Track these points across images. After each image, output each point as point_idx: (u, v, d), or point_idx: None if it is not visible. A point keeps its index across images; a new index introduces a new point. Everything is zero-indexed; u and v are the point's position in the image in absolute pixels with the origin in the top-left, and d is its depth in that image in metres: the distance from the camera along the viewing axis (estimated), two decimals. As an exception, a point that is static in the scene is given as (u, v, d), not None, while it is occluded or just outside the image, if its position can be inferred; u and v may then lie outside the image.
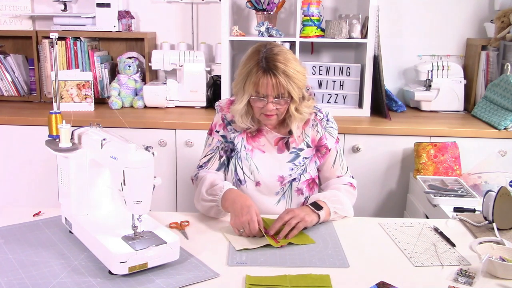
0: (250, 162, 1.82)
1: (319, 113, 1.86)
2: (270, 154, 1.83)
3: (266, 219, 1.68)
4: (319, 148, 1.85)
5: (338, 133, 1.91)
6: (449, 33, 3.17)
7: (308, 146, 1.84)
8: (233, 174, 1.85)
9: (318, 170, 1.91)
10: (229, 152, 1.87)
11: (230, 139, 1.85)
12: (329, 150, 1.86)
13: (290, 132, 1.82)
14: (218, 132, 1.86)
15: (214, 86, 3.07)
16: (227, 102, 1.88)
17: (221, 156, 1.86)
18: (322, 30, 2.90)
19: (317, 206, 1.69)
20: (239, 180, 1.84)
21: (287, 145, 1.83)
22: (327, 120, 1.87)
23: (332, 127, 1.87)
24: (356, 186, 1.88)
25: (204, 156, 1.88)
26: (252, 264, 1.42)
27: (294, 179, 1.83)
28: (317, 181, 1.91)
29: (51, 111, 1.52)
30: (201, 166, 1.87)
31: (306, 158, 1.84)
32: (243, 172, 1.83)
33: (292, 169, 1.82)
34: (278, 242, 1.54)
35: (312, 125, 1.85)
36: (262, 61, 1.67)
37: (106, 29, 3.06)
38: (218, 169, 1.86)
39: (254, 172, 1.82)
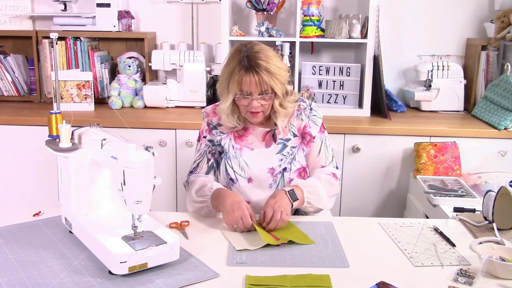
0: (239, 159, 1.84)
1: (302, 102, 1.89)
2: (259, 150, 1.85)
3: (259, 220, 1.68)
4: (304, 136, 1.87)
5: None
6: (449, 33, 3.17)
7: (294, 135, 1.86)
8: (224, 175, 1.87)
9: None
10: (217, 154, 1.90)
11: (217, 141, 1.87)
12: (313, 138, 1.88)
13: (276, 125, 1.84)
14: (205, 137, 1.90)
15: (214, 86, 3.07)
16: (212, 107, 1.92)
17: (208, 160, 1.89)
18: (322, 30, 2.90)
19: (294, 195, 1.71)
20: (231, 179, 1.85)
21: (274, 137, 1.85)
22: (311, 109, 1.89)
23: (315, 115, 1.89)
24: (339, 177, 1.90)
25: (194, 162, 1.92)
26: (252, 264, 1.42)
27: (285, 170, 1.84)
28: (307, 169, 1.92)
29: (51, 111, 1.52)
30: (191, 172, 1.91)
31: (293, 147, 1.86)
32: (234, 171, 1.85)
33: (281, 159, 1.84)
34: (278, 240, 1.54)
35: (297, 114, 1.87)
36: (244, 60, 1.70)
37: (106, 29, 3.06)
38: (207, 173, 1.89)
39: (244, 168, 1.83)
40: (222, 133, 1.86)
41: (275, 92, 1.73)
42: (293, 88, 2.86)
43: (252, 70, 1.69)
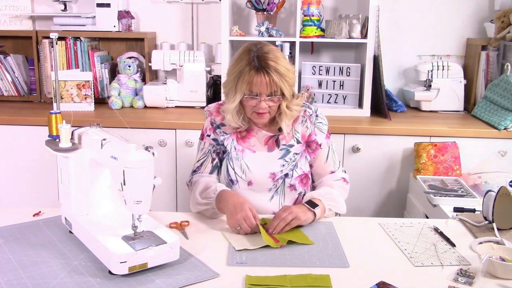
0: (241, 162, 1.83)
1: (308, 109, 1.88)
2: (261, 153, 1.84)
3: (266, 219, 1.68)
4: (310, 144, 1.86)
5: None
6: (449, 33, 3.17)
7: (298, 142, 1.85)
8: (225, 175, 1.87)
9: (311, 166, 1.92)
10: (221, 154, 1.89)
11: (221, 141, 1.86)
12: (320, 145, 1.87)
13: (280, 130, 1.83)
14: (209, 136, 1.88)
15: (214, 86, 3.08)
16: (216, 106, 1.90)
17: (213, 159, 1.88)
18: (322, 30, 2.90)
19: (312, 204, 1.71)
20: (231, 180, 1.85)
21: (277, 143, 1.84)
22: (316, 116, 1.88)
23: (321, 122, 1.88)
24: (348, 180, 1.90)
25: (197, 161, 1.91)
26: (252, 264, 1.42)
27: (286, 175, 1.84)
28: (310, 176, 1.91)
29: (51, 111, 1.52)
30: (194, 171, 1.90)
31: (296, 154, 1.85)
32: (235, 172, 1.84)
33: (283, 165, 1.83)
34: (277, 242, 1.54)
35: (302, 121, 1.86)
36: (254, 60, 1.68)
37: (106, 29, 3.06)
38: (211, 172, 1.88)
39: (246, 171, 1.83)
40: (225, 133, 1.85)
41: (283, 93, 1.72)
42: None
43: (263, 70, 1.67)
